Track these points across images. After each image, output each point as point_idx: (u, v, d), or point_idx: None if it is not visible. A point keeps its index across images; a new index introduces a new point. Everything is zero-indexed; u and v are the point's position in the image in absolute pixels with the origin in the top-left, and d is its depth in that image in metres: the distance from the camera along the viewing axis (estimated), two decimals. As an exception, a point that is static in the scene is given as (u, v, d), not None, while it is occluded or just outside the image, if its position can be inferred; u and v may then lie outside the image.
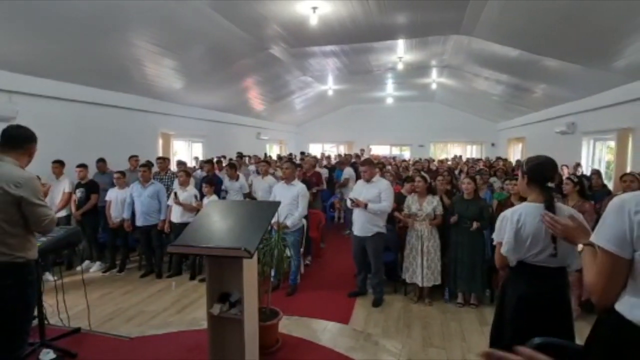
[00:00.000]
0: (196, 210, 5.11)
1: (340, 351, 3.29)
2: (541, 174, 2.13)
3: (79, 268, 5.27)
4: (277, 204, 3.22)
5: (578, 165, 7.49)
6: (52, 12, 4.37)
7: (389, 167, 8.23)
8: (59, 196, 5.39)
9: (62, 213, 5.39)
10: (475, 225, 4.07)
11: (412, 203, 4.40)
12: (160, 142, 8.66)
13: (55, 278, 3.60)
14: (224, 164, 8.01)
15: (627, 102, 6.24)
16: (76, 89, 6.23)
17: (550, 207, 2.02)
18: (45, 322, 3.25)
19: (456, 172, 8.44)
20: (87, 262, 5.61)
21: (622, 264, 1.27)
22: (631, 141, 6.18)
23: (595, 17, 4.64)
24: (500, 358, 0.79)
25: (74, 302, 3.85)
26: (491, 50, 6.95)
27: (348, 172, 7.93)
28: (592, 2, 4.36)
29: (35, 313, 3.03)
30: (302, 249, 5.09)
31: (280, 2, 5.33)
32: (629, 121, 6.20)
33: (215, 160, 8.56)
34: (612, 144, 6.97)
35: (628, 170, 5.73)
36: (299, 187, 4.66)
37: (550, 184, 2.08)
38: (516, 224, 2.09)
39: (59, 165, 5.40)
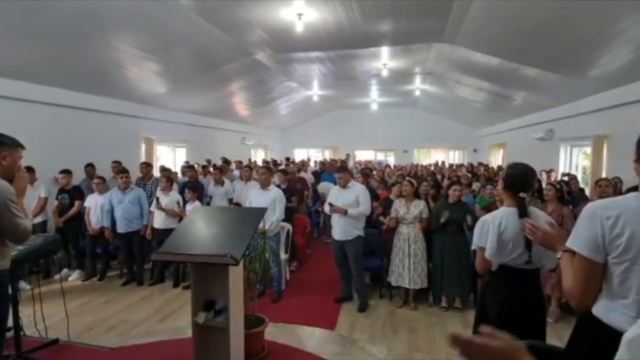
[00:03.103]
0: (179, 216, 5.04)
1: (327, 357, 3.28)
2: (516, 183, 2.20)
3: (56, 276, 5.10)
4: (263, 210, 3.20)
5: (552, 170, 7.68)
6: (30, 13, 4.26)
7: (374, 173, 8.31)
8: (34, 202, 5.21)
9: (38, 219, 5.22)
10: (445, 216, 4.13)
11: (399, 207, 4.46)
12: (143, 147, 8.51)
13: (32, 287, 3.48)
14: (210, 169, 7.94)
15: (601, 110, 6.48)
16: (54, 92, 6.06)
17: (523, 214, 2.10)
18: (21, 333, 3.13)
19: (438, 177, 8.56)
20: (65, 270, 5.44)
21: (596, 268, 1.33)
22: (606, 147, 6.40)
23: (571, 28, 4.82)
24: (467, 341, 0.82)
25: (51, 312, 3.70)
26: (473, 58, 7.13)
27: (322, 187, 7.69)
28: (568, 14, 4.53)
29: (11, 324, 2.93)
30: (287, 255, 5.07)
31: (266, 8, 5.34)
32: (603, 128, 6.43)
33: (202, 165, 8.49)
34: (588, 150, 7.21)
35: (603, 175, 5.94)
36: (274, 192, 4.66)
37: (522, 195, 2.14)
38: (498, 228, 2.15)
39: (28, 173, 5.19)
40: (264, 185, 4.68)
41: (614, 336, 1.25)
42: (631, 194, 1.35)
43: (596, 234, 1.31)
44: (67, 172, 5.47)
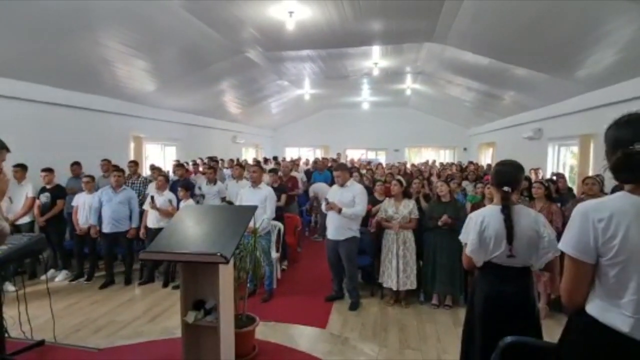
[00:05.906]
0: (172, 215, 4.98)
1: (318, 356, 3.27)
2: (500, 177, 2.22)
3: (43, 277, 5.00)
4: (253, 208, 3.18)
5: (539, 168, 7.78)
6: (15, 9, 4.16)
7: (364, 172, 8.29)
8: (21, 201, 5.11)
9: (26, 219, 5.12)
10: (444, 218, 4.14)
11: (388, 207, 4.46)
12: (132, 145, 8.40)
13: (17, 288, 3.40)
14: (200, 168, 7.87)
15: (588, 110, 6.58)
16: (40, 89, 5.91)
17: (504, 209, 2.12)
18: (6, 335, 3.05)
19: (426, 175, 8.58)
20: (52, 270, 5.33)
21: (586, 268, 1.35)
22: (592, 146, 6.51)
23: (559, 29, 4.89)
24: None
25: (37, 313, 3.65)
26: (463, 58, 7.18)
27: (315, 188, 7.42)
28: (555, 16, 4.59)
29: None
30: (278, 254, 5.05)
31: (257, 6, 5.31)
32: (590, 128, 6.53)
33: (191, 163, 8.42)
34: (575, 149, 7.32)
35: (590, 173, 6.03)
36: (266, 190, 4.64)
37: (506, 188, 2.15)
38: (480, 225, 2.17)
39: (20, 169, 5.08)
40: (255, 183, 4.65)
41: (611, 335, 1.29)
42: (619, 193, 1.34)
43: (588, 237, 1.31)
44: (49, 170, 5.36)
